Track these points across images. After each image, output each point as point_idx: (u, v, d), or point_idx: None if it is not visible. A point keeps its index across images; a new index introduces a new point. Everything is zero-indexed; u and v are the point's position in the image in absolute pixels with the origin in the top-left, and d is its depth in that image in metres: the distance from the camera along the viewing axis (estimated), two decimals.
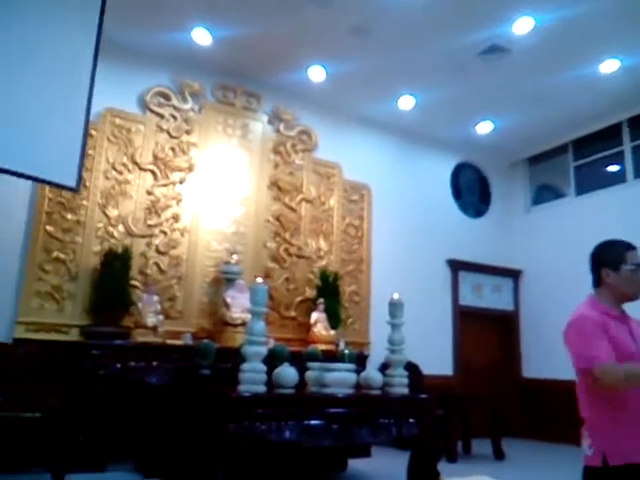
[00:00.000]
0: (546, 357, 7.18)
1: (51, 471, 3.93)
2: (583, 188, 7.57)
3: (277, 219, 6.35)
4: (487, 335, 7.86)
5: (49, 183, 4.60)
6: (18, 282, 4.93)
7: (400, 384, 4.07)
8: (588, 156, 7.57)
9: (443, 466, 4.05)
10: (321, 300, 6.04)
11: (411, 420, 3.79)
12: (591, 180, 7.49)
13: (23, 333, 4.81)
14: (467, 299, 7.73)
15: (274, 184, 6.41)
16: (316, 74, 6.29)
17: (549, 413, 7.17)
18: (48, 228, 5.08)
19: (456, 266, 7.70)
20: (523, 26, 5.34)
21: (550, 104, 6.80)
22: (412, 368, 5.25)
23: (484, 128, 7.54)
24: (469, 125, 7.50)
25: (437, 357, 7.07)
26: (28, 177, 4.15)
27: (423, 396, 4.03)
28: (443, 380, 6.96)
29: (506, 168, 8.59)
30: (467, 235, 7.89)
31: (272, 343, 5.06)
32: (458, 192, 8.16)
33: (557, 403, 6.85)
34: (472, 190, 8.37)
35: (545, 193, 8.33)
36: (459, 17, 5.22)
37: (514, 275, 8.16)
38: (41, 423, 4.02)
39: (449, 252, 7.66)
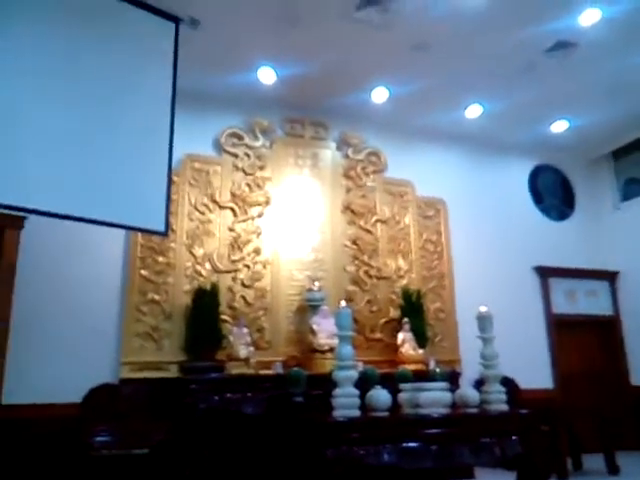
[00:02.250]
0: None
1: None
2: None
3: (354, 242, 6.40)
4: (586, 343, 7.41)
5: (140, 230, 4.95)
6: (119, 324, 5.27)
7: (498, 400, 3.93)
8: None
9: None
10: (406, 319, 5.98)
11: (514, 438, 3.65)
12: None
13: (128, 373, 5.13)
14: (560, 307, 7.34)
15: (347, 208, 6.49)
16: (380, 95, 6.37)
17: None
18: (142, 272, 5.43)
19: (545, 273, 7.37)
20: (589, 17, 5.14)
21: (629, 94, 6.45)
22: (508, 383, 5.06)
23: (560, 127, 7.25)
24: (543, 126, 7.25)
25: (534, 370, 6.73)
26: (121, 226, 4.50)
27: (525, 411, 3.87)
28: (543, 393, 6.61)
29: (588, 165, 8.18)
30: (553, 240, 7.55)
31: (361, 366, 5.06)
32: (538, 196, 7.85)
33: None
34: (553, 192, 8.02)
35: (635, 187, 7.82)
36: (519, 17, 5.10)
37: (610, 277, 7.67)
38: (149, 459, 4.23)
39: (536, 259, 7.35)
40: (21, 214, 3.58)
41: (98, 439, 4.04)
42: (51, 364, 4.92)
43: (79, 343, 5.08)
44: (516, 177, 7.76)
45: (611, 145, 7.81)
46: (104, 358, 5.14)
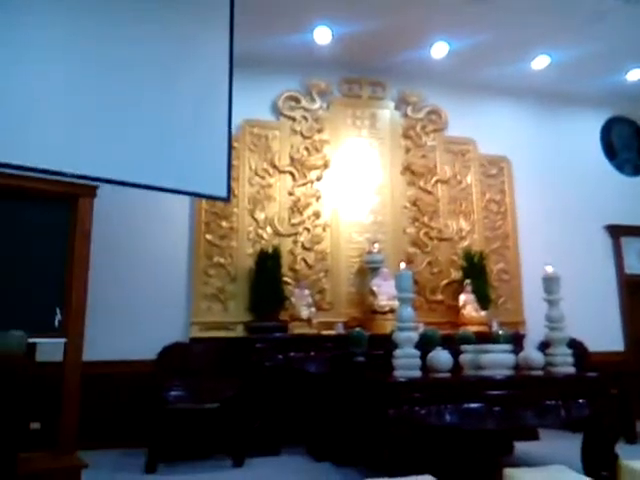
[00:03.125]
0: None
1: (231, 456, 4.38)
2: None
3: (414, 204, 6.32)
4: None
5: (204, 196, 5.09)
6: (188, 287, 5.53)
7: (564, 363, 3.87)
8: None
9: (622, 448, 3.76)
10: (468, 281, 5.90)
11: (581, 401, 3.59)
12: None
13: (197, 332, 5.40)
14: (634, 267, 6.99)
15: (407, 169, 6.39)
16: (439, 50, 6.13)
17: None
18: (207, 236, 5.62)
19: (617, 232, 7.01)
20: None
21: None
22: (576, 345, 4.93)
23: (635, 75, 6.74)
24: (618, 75, 6.76)
25: (604, 332, 6.51)
26: (186, 193, 4.63)
27: (593, 374, 3.78)
28: (614, 356, 6.41)
29: None
30: (627, 197, 7.14)
31: (422, 328, 5.07)
32: (611, 151, 7.41)
33: None
34: (628, 146, 7.53)
35: None
36: None
37: None
38: (219, 413, 4.48)
39: (607, 217, 7.00)
40: (93, 183, 3.75)
41: (172, 394, 4.30)
42: (127, 324, 5.24)
43: (152, 305, 5.38)
44: (586, 131, 7.34)
45: None
46: (175, 318, 5.43)
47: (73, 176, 3.63)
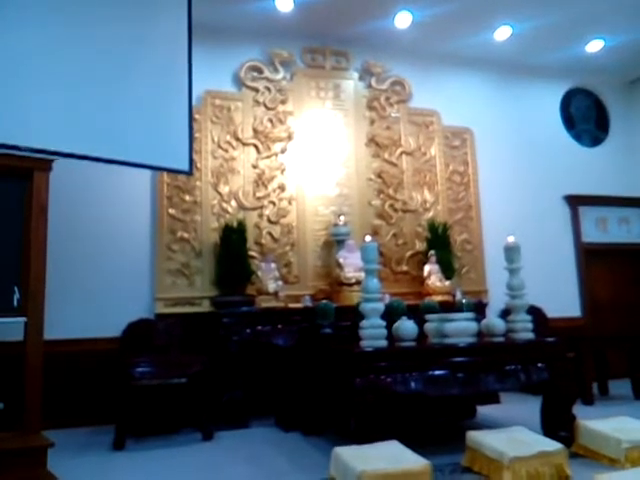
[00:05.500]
0: None
1: (201, 430, 4.39)
2: None
3: (379, 176, 6.33)
4: (617, 271, 7.34)
5: (165, 169, 4.97)
6: (152, 263, 5.42)
7: (524, 329, 3.99)
8: None
9: (579, 409, 3.94)
10: (432, 252, 5.99)
11: (540, 365, 3.72)
12: None
13: (162, 308, 5.32)
14: (591, 235, 7.23)
15: (372, 141, 6.37)
16: (403, 20, 6.07)
17: None
18: (170, 211, 5.50)
19: (575, 201, 7.21)
20: None
21: None
22: (535, 312, 5.10)
23: (595, 47, 6.84)
24: (578, 46, 6.84)
25: (562, 299, 6.77)
26: (147, 166, 4.51)
27: (551, 339, 3.92)
28: (571, 322, 6.66)
29: (625, 87, 7.79)
30: (585, 167, 7.32)
31: (388, 299, 5.15)
32: (570, 121, 7.56)
33: None
34: (586, 117, 7.70)
35: None
36: None
37: None
38: (188, 388, 4.47)
39: (566, 187, 7.18)
40: (49, 157, 3.61)
41: (138, 370, 4.25)
42: (90, 302, 5.14)
43: (115, 281, 5.28)
44: (547, 102, 7.45)
45: None
46: (140, 295, 5.33)
47: (29, 150, 3.49)
